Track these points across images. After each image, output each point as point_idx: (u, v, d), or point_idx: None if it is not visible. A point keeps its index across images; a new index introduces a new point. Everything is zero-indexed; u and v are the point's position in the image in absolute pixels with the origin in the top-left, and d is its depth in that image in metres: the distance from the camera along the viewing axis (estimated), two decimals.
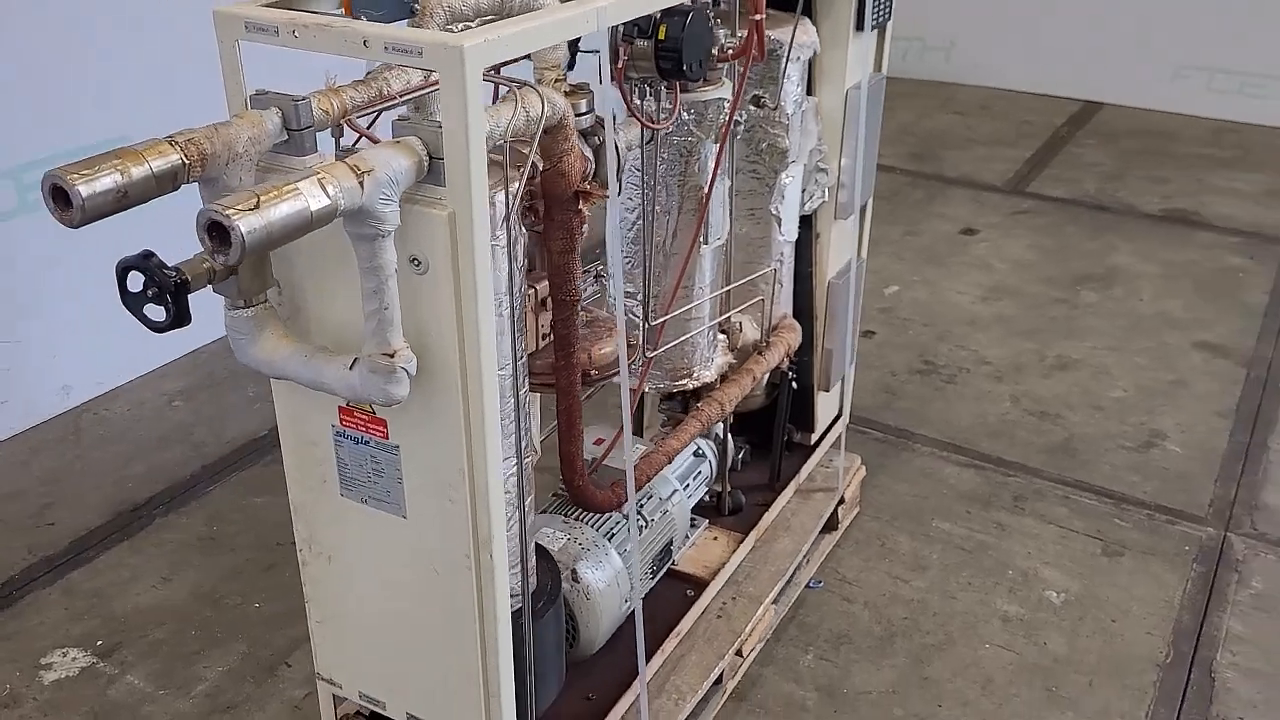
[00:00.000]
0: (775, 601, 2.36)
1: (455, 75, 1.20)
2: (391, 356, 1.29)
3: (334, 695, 1.78)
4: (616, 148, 1.71)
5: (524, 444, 1.55)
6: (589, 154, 1.56)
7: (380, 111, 1.47)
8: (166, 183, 1.22)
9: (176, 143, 1.23)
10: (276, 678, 2.29)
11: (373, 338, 1.29)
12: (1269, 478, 2.91)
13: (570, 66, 1.74)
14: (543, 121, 1.39)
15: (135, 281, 1.26)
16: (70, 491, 2.84)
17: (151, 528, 2.72)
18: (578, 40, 1.73)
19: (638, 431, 2.47)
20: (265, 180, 1.20)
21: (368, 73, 1.49)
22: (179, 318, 1.25)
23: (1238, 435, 3.09)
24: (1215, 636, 2.39)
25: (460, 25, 1.43)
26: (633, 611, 2.05)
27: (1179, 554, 2.64)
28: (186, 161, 1.22)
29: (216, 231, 1.06)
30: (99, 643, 2.37)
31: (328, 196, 1.14)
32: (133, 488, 2.85)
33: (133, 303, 1.27)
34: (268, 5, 1.35)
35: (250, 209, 1.06)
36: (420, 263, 1.31)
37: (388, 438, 1.46)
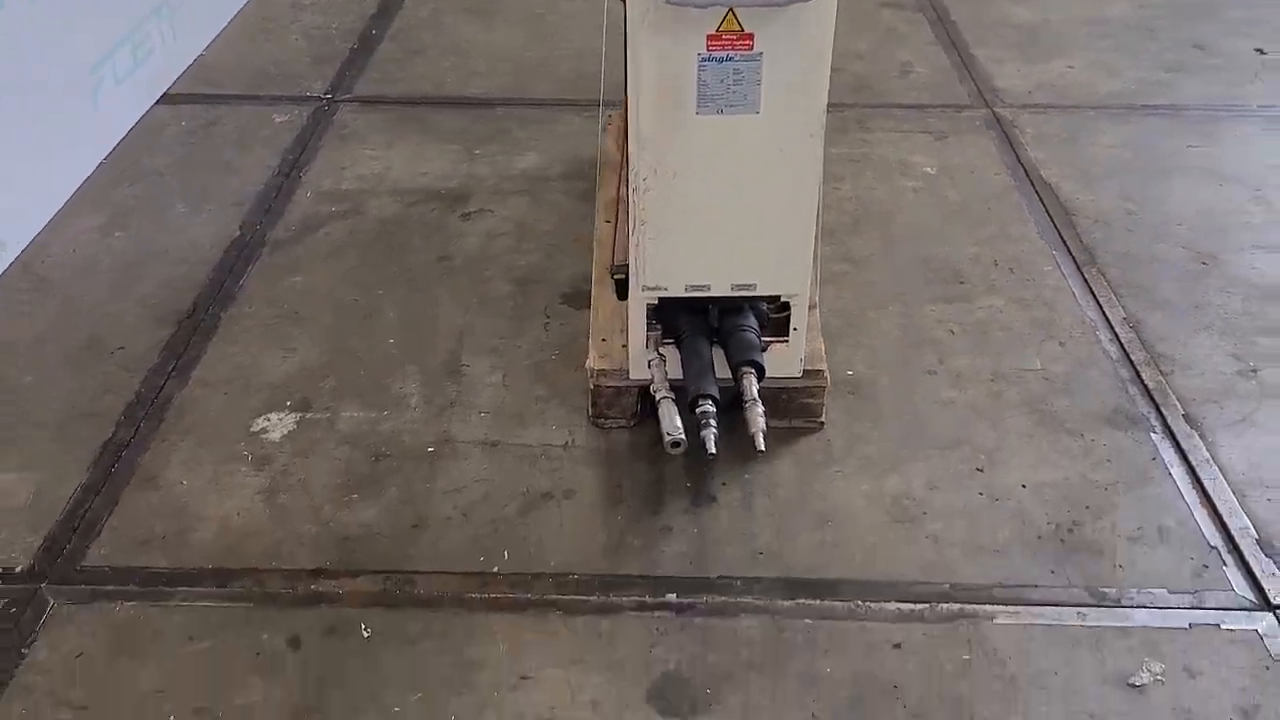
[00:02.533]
0: None
1: None
2: None
3: (649, 305, 2.26)
4: None
5: None
6: None
7: None
8: None
9: None
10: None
11: None
12: (989, 73, 4.07)
13: None
14: None
15: None
16: (112, 322, 2.78)
17: (225, 320, 2.79)
18: None
19: None
20: None
21: None
22: None
23: (950, 54, 4.22)
24: (1031, 162, 3.50)
25: None
26: None
27: (975, 128, 3.72)
28: None
29: None
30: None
31: None
32: (161, 303, 2.84)
33: None
34: None
35: None
36: None
37: (752, 48, 1.95)
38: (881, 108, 3.84)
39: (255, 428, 2.47)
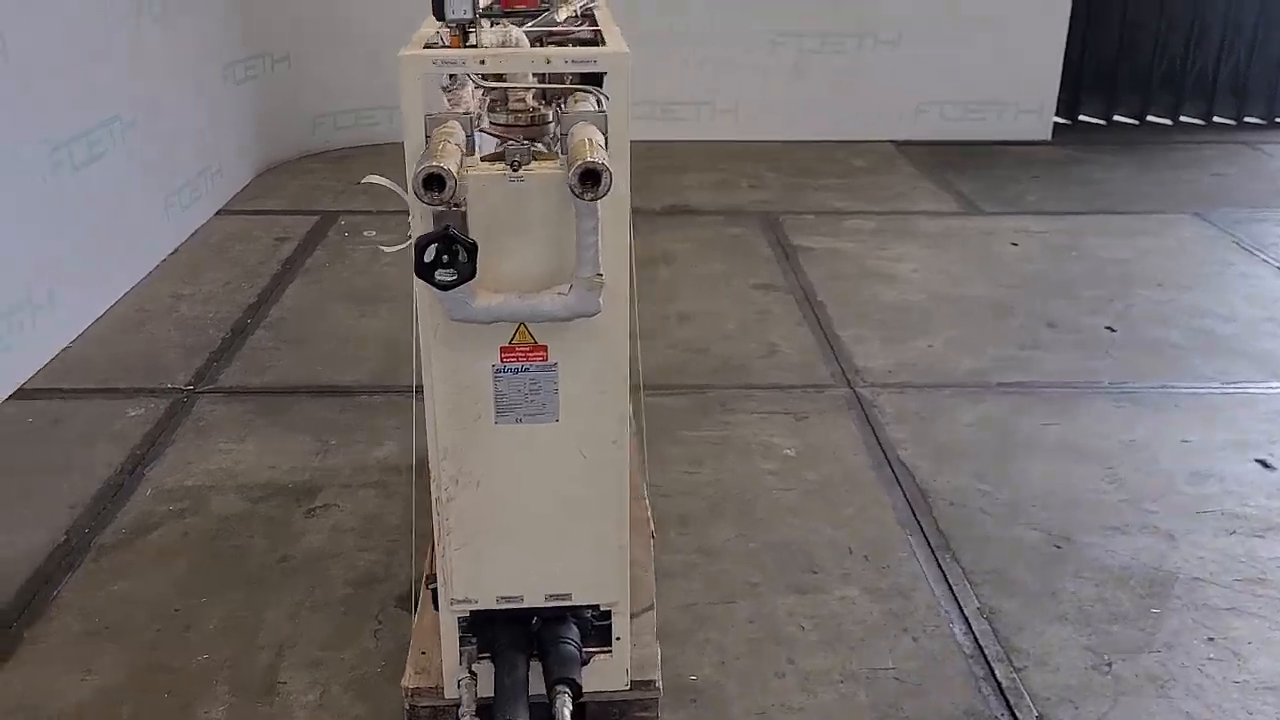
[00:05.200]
0: (645, 496, 3.02)
1: (622, 72, 1.78)
2: (600, 276, 1.81)
3: (458, 618, 2.13)
4: None
5: None
6: None
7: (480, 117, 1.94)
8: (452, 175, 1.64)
9: (451, 141, 1.65)
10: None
11: (588, 265, 1.80)
12: (851, 353, 4.16)
13: None
14: None
15: (430, 253, 1.66)
16: None
17: (24, 642, 2.59)
18: None
19: None
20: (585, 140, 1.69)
21: (449, 94, 1.96)
22: (471, 273, 1.68)
23: (817, 333, 4.33)
24: (890, 442, 3.52)
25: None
26: None
27: (837, 409, 3.75)
28: (461, 152, 1.66)
29: (590, 177, 1.56)
30: None
31: (600, 156, 1.67)
32: None
33: (427, 271, 1.67)
34: (427, 46, 1.79)
35: (603, 159, 1.58)
36: None
37: (547, 359, 1.94)
38: (745, 389, 3.88)
39: None
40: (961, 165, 6.69)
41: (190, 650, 2.58)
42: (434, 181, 1.53)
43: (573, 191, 1.59)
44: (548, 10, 2.26)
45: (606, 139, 1.81)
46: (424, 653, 2.31)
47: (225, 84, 5.77)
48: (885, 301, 4.65)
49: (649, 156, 6.77)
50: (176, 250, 5.10)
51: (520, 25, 2.19)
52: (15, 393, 3.76)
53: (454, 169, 1.56)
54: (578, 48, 1.85)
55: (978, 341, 4.26)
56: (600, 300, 1.83)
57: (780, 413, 3.72)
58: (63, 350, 4.07)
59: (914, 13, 7.00)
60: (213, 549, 2.96)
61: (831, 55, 7.10)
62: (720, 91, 7.16)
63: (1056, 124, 7.41)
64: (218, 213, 5.62)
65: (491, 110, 2.02)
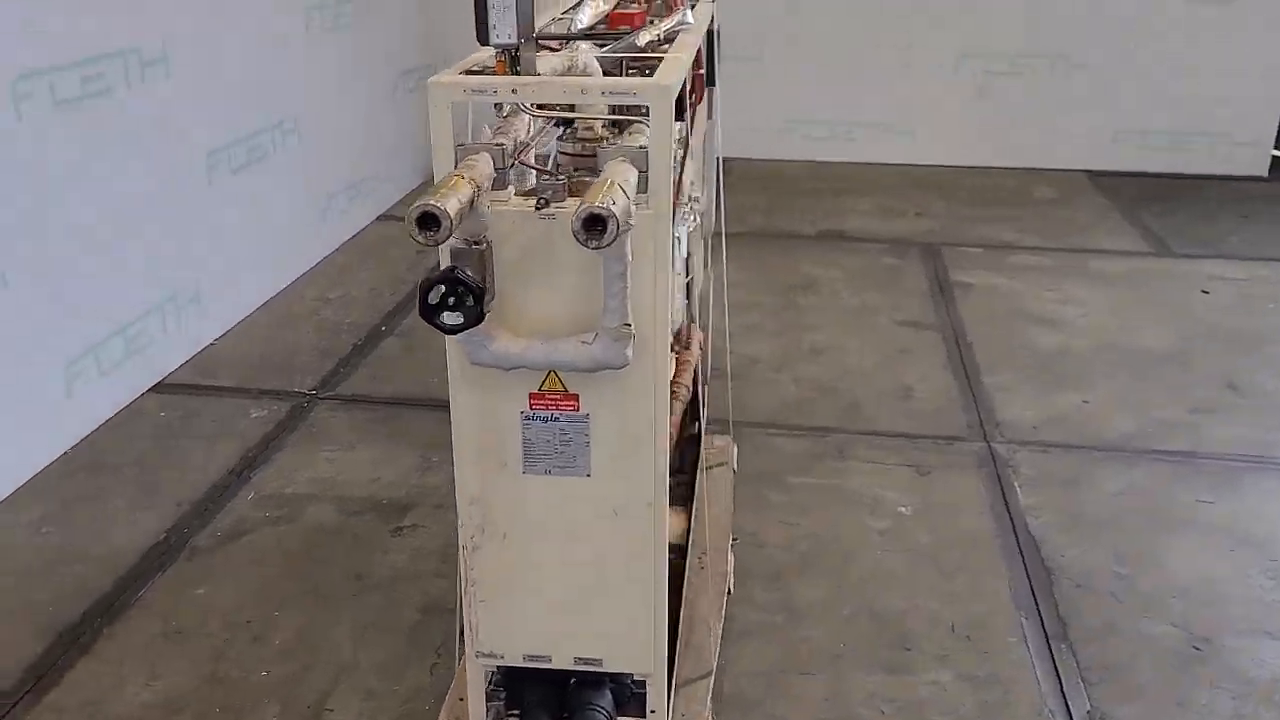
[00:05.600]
0: (731, 551, 2.84)
1: (664, 107, 1.63)
2: (629, 325, 1.67)
3: (487, 671, 2.03)
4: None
5: None
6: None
7: (522, 152, 1.83)
8: (469, 207, 1.53)
9: (463, 176, 1.55)
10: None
11: (614, 313, 1.66)
12: (995, 403, 3.84)
13: None
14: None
15: (436, 295, 1.56)
16: None
17: (103, 638, 2.66)
18: None
19: None
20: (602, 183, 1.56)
21: (496, 127, 1.85)
22: (479, 317, 1.56)
23: (959, 378, 4.03)
24: (1019, 509, 3.20)
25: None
26: None
27: (967, 464, 3.46)
28: (476, 189, 1.55)
29: (595, 224, 1.42)
30: None
31: (618, 203, 1.52)
32: (56, 611, 2.74)
33: (432, 313, 1.56)
34: (467, 72, 1.69)
35: (611, 204, 1.44)
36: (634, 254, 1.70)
37: (578, 409, 1.81)
38: (869, 434, 3.63)
39: None
40: (1159, 200, 6.15)
41: (252, 664, 2.57)
42: (428, 221, 1.42)
43: (576, 239, 1.45)
44: (630, 33, 2.13)
45: (646, 177, 1.66)
46: (461, 699, 2.21)
47: (396, 93, 5.91)
48: (1042, 347, 4.28)
49: (815, 177, 6.57)
50: (332, 253, 5.24)
51: (603, 48, 2.07)
52: (156, 385, 3.91)
53: (455, 207, 1.44)
54: (613, 78, 1.71)
55: (1141, 399, 3.85)
56: (628, 352, 1.69)
57: (902, 464, 3.45)
58: (206, 347, 4.22)
59: (1112, 32, 6.49)
60: (297, 560, 2.97)
61: (1020, 77, 6.67)
62: (898, 112, 6.85)
63: (1276, 159, 6.72)
64: (378, 218, 5.76)
65: (561, 140, 1.91)
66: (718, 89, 2.91)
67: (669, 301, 1.76)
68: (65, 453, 3.45)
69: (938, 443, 3.59)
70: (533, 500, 1.88)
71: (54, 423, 3.43)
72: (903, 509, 3.21)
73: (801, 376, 4.03)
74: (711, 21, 2.92)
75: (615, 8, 2.65)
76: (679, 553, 2.67)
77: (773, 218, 5.87)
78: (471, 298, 1.54)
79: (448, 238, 1.46)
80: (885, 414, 3.77)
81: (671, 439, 2.50)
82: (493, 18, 1.70)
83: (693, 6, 2.62)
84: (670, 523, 2.76)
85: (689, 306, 2.83)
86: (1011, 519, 3.15)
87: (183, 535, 3.07)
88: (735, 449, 3.32)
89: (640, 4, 2.69)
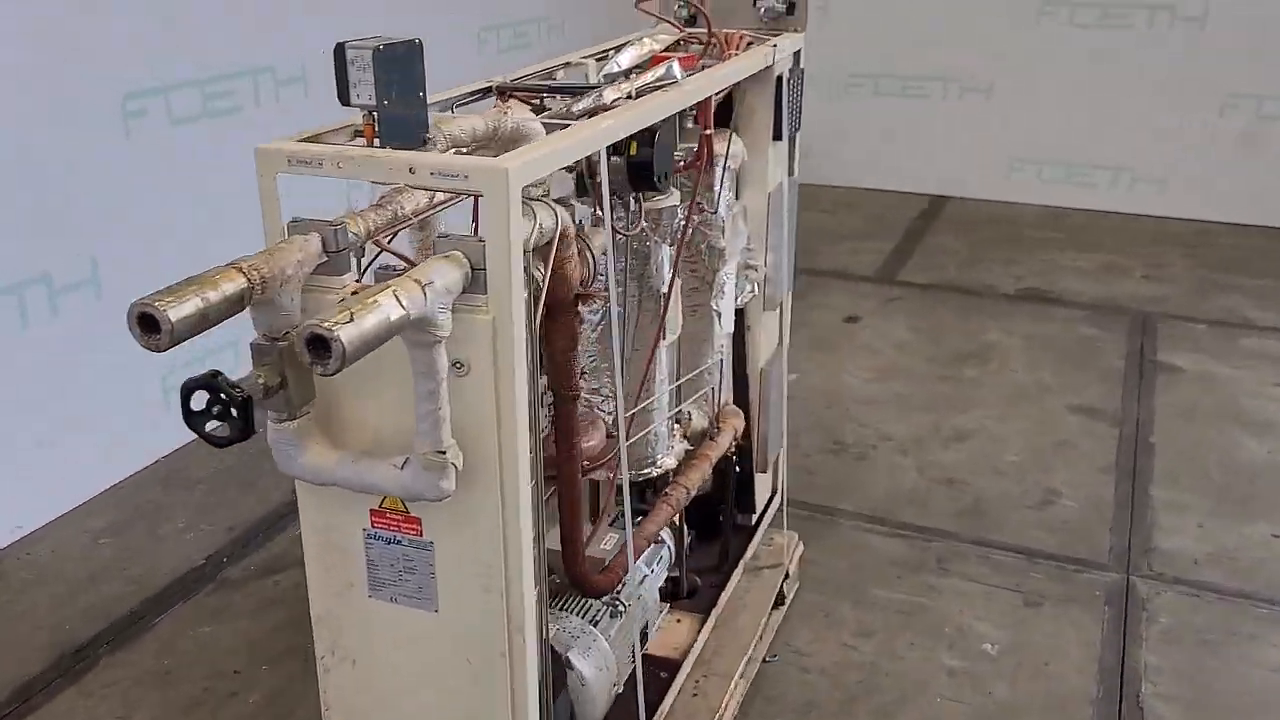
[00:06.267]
0: (742, 677, 2.47)
1: (499, 194, 1.33)
2: (443, 454, 1.38)
3: None
4: (593, 254, 1.86)
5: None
6: (590, 259, 1.71)
7: (397, 231, 1.58)
8: (236, 305, 1.30)
9: (241, 268, 1.32)
10: None
11: (426, 437, 1.38)
12: (1156, 523, 3.20)
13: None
14: (555, 231, 1.53)
15: (199, 400, 1.33)
16: (3, 640, 2.73)
17: (98, 668, 2.64)
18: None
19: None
20: (308, 301, 1.32)
21: (381, 196, 1.61)
22: (246, 431, 1.33)
23: (1122, 487, 3.39)
24: (1136, 670, 2.61)
25: (457, 151, 1.57)
26: (617, 696, 2.14)
27: (1091, 599, 2.88)
28: (250, 285, 1.31)
29: (318, 344, 1.15)
30: None
31: (402, 307, 1.25)
32: (71, 629, 2.77)
33: (196, 421, 1.34)
34: (303, 140, 1.46)
35: (347, 321, 1.16)
36: (462, 365, 1.41)
37: (421, 534, 1.54)
38: (982, 545, 3.10)
39: None
40: None
41: None
42: (147, 322, 1.20)
43: (299, 359, 1.18)
44: (597, 89, 1.83)
45: (481, 274, 1.37)
46: None
47: None
48: (1242, 460, 3.54)
49: (1040, 224, 5.91)
50: None
51: (574, 104, 1.79)
52: None
53: (183, 313, 1.21)
54: (445, 157, 1.42)
55: None
56: (442, 484, 1.40)
57: (1009, 589, 2.91)
58: None
59: None
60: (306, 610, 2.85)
61: None
62: (1145, 156, 6.03)
63: None
64: None
65: None
66: (793, 142, 2.52)
67: (523, 423, 1.45)
68: (153, 463, 3.52)
69: (1063, 567, 3.01)
70: (380, 629, 1.62)
71: (148, 433, 3.51)
72: (989, 647, 2.70)
73: (930, 463, 3.53)
74: (796, 62, 2.54)
75: (669, 49, 2.35)
76: (673, 670, 2.33)
77: (969, 269, 5.29)
78: (235, 409, 1.31)
79: (174, 345, 1.23)
80: (1012, 522, 3.22)
81: (652, 542, 2.18)
82: (353, 75, 1.46)
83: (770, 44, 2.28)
84: (672, 631, 2.44)
85: (716, 390, 2.47)
86: (1121, 684, 2.57)
87: (219, 564, 3.04)
88: (800, 549, 2.91)
89: (699, 42, 2.38)
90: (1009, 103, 6.24)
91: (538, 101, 1.92)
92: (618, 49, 2.28)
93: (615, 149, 1.86)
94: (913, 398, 3.99)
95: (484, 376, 1.41)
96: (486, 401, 1.42)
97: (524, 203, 1.51)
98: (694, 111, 2.09)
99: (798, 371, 4.18)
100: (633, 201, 1.98)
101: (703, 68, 2.16)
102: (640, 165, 1.85)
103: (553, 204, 1.58)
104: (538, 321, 1.59)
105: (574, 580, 1.88)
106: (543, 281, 1.62)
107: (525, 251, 1.47)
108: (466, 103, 1.88)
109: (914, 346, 4.41)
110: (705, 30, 2.35)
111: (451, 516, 1.50)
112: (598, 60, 2.24)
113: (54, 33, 3.04)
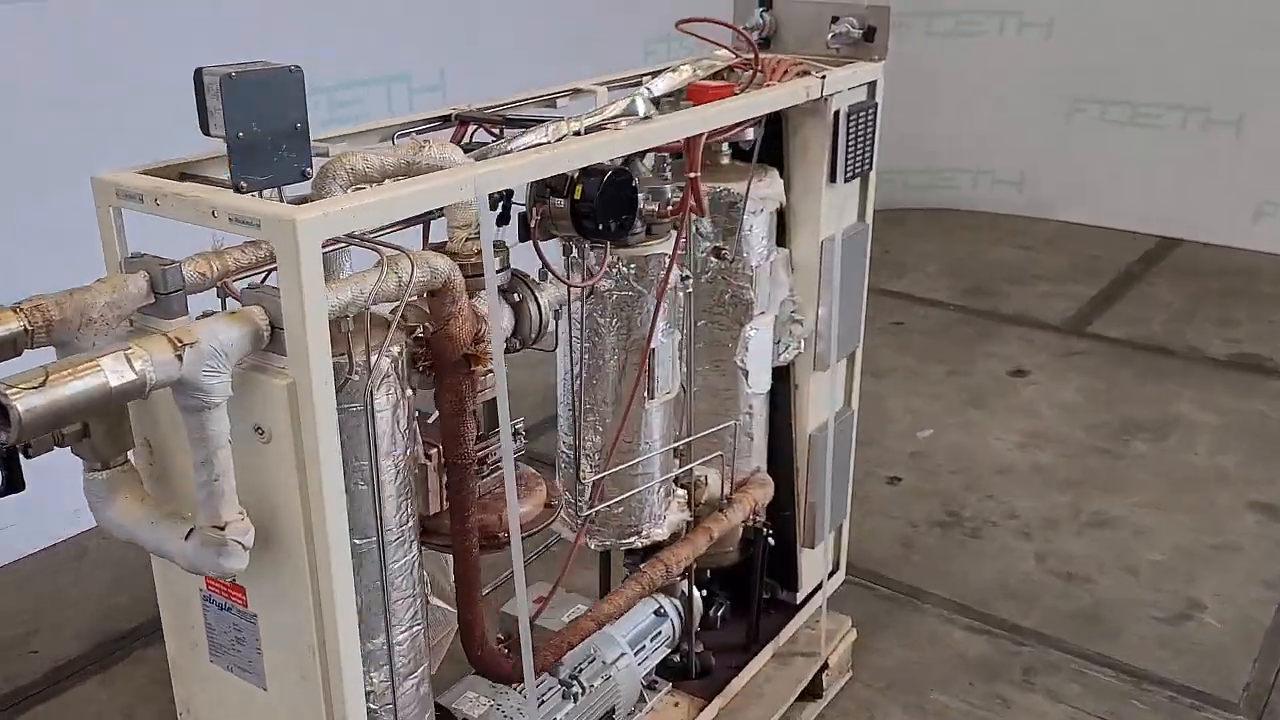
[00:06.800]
0: None
1: (289, 247, 1.18)
2: (222, 529, 1.24)
3: None
4: (540, 306, 1.68)
5: (417, 610, 1.51)
6: (508, 310, 1.56)
7: (268, 273, 1.46)
8: (7, 349, 1.21)
9: (21, 309, 1.23)
10: None
11: (204, 509, 1.25)
12: None
13: (503, 222, 1.74)
14: (412, 285, 1.36)
15: None
16: (56, 619, 2.85)
17: (128, 660, 2.70)
18: (508, 197, 1.72)
19: (601, 591, 2.37)
20: (134, 340, 1.21)
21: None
22: (10, 483, 1.24)
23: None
24: None
25: (363, 187, 1.43)
26: None
27: None
28: (30, 327, 1.22)
29: None
30: None
31: (134, 371, 1.12)
32: (117, 619, 2.85)
33: None
34: (148, 171, 1.37)
35: (34, 387, 1.04)
36: (264, 431, 1.27)
37: (247, 605, 1.41)
38: (1083, 659, 2.65)
39: None
40: None
41: None
42: None
43: None
44: (544, 123, 1.64)
45: (273, 327, 1.22)
46: None
47: None
48: None
49: (1276, 279, 5.12)
50: None
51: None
52: None
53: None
54: (244, 200, 1.26)
55: None
56: (223, 562, 1.26)
57: (1093, 715, 2.47)
58: None
59: None
60: None
61: None
62: None
63: None
64: None
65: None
66: (846, 183, 2.22)
67: (335, 496, 1.29)
68: None
69: (1179, 700, 2.53)
70: (224, 697, 1.51)
71: None
72: None
73: (1053, 551, 3.08)
74: (871, 95, 2.24)
75: (712, 76, 2.12)
76: None
77: (1177, 325, 4.64)
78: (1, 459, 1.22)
79: None
80: (1131, 635, 2.74)
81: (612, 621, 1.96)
82: (210, 103, 1.35)
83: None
84: (664, 714, 2.20)
85: (732, 454, 2.21)
86: None
87: None
88: (851, 636, 2.58)
89: (749, 68, 2.13)
90: (1261, 137, 5.47)
91: (498, 132, 1.75)
92: (654, 74, 2.08)
93: (557, 191, 1.68)
94: (1057, 470, 3.51)
95: (284, 444, 1.26)
96: (289, 472, 1.27)
97: (380, 251, 1.35)
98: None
99: (934, 427, 3.79)
100: (607, 249, 1.79)
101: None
102: (584, 211, 1.65)
103: (427, 254, 1.40)
104: (405, 381, 1.43)
105: (471, 662, 1.70)
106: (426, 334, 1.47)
107: (369, 307, 1.31)
108: (418, 131, 1.74)
109: (1080, 411, 3.90)
110: (753, 57, 2.10)
111: (275, 589, 1.36)
112: (633, 85, 2.05)
113: None
